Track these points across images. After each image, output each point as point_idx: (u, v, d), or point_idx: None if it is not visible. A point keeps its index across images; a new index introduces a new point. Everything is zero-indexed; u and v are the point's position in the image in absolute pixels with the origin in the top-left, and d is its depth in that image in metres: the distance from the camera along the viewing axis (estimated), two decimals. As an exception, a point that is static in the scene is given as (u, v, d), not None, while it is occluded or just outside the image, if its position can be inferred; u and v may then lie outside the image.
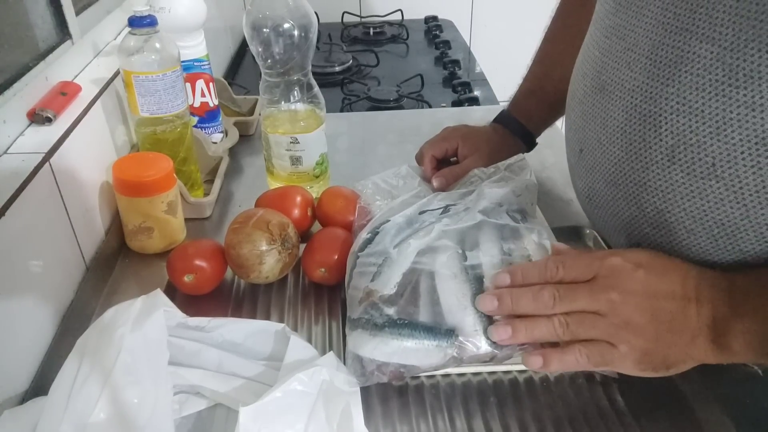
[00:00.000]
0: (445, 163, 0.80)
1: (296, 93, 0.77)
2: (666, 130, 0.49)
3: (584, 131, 0.59)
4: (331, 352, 0.53)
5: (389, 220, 0.63)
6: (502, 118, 0.84)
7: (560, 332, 0.50)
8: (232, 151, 0.94)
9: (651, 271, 0.50)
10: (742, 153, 0.45)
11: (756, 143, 0.44)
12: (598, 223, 0.64)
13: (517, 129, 0.83)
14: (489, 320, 0.54)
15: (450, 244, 0.58)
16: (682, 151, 0.48)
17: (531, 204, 0.67)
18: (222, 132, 0.94)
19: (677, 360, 0.49)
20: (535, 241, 0.60)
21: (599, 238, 0.73)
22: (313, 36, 0.74)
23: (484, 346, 0.53)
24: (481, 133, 0.82)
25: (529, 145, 0.84)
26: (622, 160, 0.54)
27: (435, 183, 0.75)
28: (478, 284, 0.55)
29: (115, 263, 0.72)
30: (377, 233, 0.62)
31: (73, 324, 0.61)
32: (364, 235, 0.63)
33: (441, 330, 0.53)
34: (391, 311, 0.54)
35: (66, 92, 0.70)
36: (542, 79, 0.83)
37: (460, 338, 0.53)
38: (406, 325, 0.53)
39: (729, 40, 0.44)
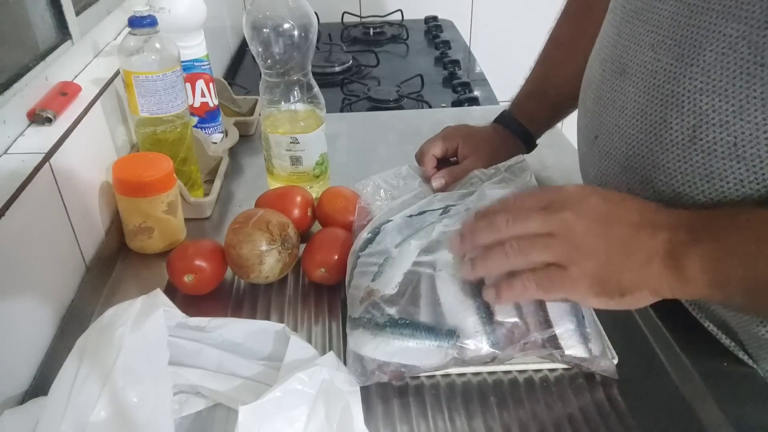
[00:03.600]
0: (445, 162, 0.80)
1: (296, 93, 0.77)
2: (688, 110, 0.49)
3: (600, 117, 0.59)
4: (331, 351, 0.53)
5: (390, 220, 0.63)
6: (502, 119, 0.84)
7: (512, 256, 0.50)
8: (232, 151, 0.94)
9: (607, 199, 0.50)
10: (765, 133, 0.45)
11: None
12: None
13: (518, 130, 0.83)
14: (490, 321, 0.54)
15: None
16: (704, 131, 0.48)
17: None
18: (222, 132, 0.94)
19: (631, 285, 0.47)
20: None
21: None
22: (313, 36, 0.74)
23: (485, 347, 0.53)
24: (481, 133, 0.82)
25: (529, 146, 0.84)
26: (640, 143, 0.54)
27: (434, 183, 0.75)
28: (478, 285, 0.55)
29: (115, 263, 0.72)
30: (378, 233, 0.62)
31: (73, 324, 0.61)
32: (364, 234, 0.63)
33: (442, 330, 0.53)
34: (392, 311, 0.54)
35: (66, 92, 0.70)
36: (545, 80, 0.83)
37: (461, 339, 0.53)
38: (407, 325, 0.53)
39: (756, 17, 0.44)
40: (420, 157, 0.81)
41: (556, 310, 0.55)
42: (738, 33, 0.45)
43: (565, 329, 0.54)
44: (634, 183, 0.56)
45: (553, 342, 0.54)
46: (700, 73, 0.48)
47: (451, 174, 0.76)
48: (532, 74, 0.85)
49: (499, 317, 0.54)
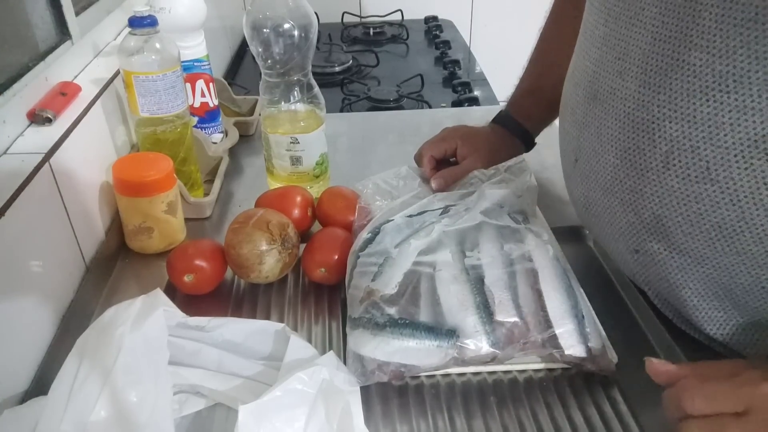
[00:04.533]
0: (444, 163, 0.80)
1: (296, 93, 0.77)
2: (660, 136, 0.49)
3: (579, 140, 0.59)
4: (331, 351, 0.53)
5: (390, 220, 0.63)
6: (500, 119, 0.84)
7: None
8: (232, 151, 0.94)
9: None
10: (735, 156, 0.45)
11: (749, 146, 0.44)
12: (595, 231, 0.63)
13: (516, 129, 0.83)
14: (490, 320, 0.54)
15: (451, 245, 0.58)
16: (677, 156, 0.48)
17: (531, 205, 0.67)
18: (222, 132, 0.94)
19: None
20: (536, 243, 0.60)
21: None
22: (313, 36, 0.74)
23: (485, 347, 0.53)
24: (480, 133, 0.82)
25: (528, 145, 0.84)
26: (618, 168, 0.54)
27: (434, 184, 0.75)
28: (478, 285, 0.56)
29: (115, 263, 0.72)
30: (378, 233, 0.62)
31: (73, 324, 0.61)
32: (364, 234, 0.63)
33: (442, 330, 0.53)
34: (392, 311, 0.54)
35: (66, 92, 0.70)
36: (539, 78, 0.83)
37: (461, 338, 0.53)
38: (407, 325, 0.53)
39: (718, 47, 0.44)
40: (419, 159, 0.80)
41: (556, 309, 0.55)
42: (702, 62, 0.45)
43: (565, 329, 0.54)
44: (616, 206, 0.56)
45: (553, 342, 0.54)
46: (668, 101, 0.48)
47: (450, 174, 0.76)
48: (525, 73, 0.85)
49: (499, 317, 0.54)
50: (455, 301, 0.54)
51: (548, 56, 0.82)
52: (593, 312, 0.59)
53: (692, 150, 0.47)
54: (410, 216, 0.64)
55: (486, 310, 0.54)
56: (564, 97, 0.64)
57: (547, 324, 0.54)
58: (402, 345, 0.53)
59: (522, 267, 0.58)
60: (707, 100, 0.46)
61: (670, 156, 0.49)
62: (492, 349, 0.53)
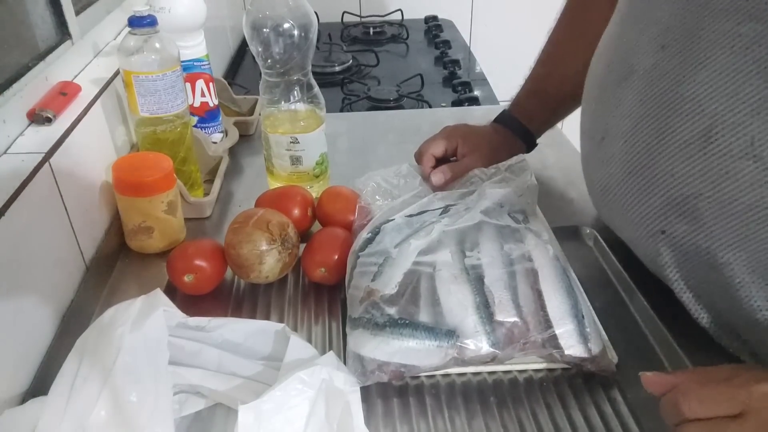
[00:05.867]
0: (444, 162, 0.80)
1: (296, 93, 0.77)
2: (699, 113, 0.49)
3: (606, 119, 0.58)
4: (331, 351, 0.53)
5: (390, 220, 0.63)
6: (502, 118, 0.84)
7: None
8: (232, 151, 0.94)
9: None
10: None
11: None
12: (611, 216, 0.63)
13: (518, 129, 0.83)
14: (490, 320, 0.54)
15: (451, 244, 0.58)
16: (719, 131, 0.48)
17: (532, 205, 0.67)
18: (222, 132, 0.94)
19: None
20: (536, 242, 0.60)
21: (599, 238, 0.73)
22: (313, 36, 0.74)
23: (485, 347, 0.53)
24: (481, 132, 0.82)
25: (530, 145, 0.84)
26: (651, 147, 0.54)
27: (433, 178, 0.75)
28: (478, 284, 0.56)
29: (115, 263, 0.72)
30: (378, 233, 0.62)
31: (73, 324, 0.61)
32: (364, 234, 0.63)
33: (442, 330, 0.53)
34: (392, 311, 0.54)
35: (66, 92, 0.70)
36: (545, 80, 0.83)
37: (461, 338, 0.53)
38: (407, 325, 0.53)
39: None
40: (419, 157, 0.80)
41: (556, 309, 0.55)
42: (755, 33, 0.45)
43: (565, 329, 0.54)
44: (642, 187, 0.55)
45: (553, 342, 0.54)
46: (711, 77, 0.48)
47: (450, 169, 0.75)
48: (531, 74, 0.85)
49: (499, 317, 0.54)
50: (455, 301, 0.54)
51: (555, 58, 0.82)
52: (593, 312, 0.59)
53: (735, 126, 0.47)
54: (410, 216, 0.63)
55: (486, 310, 0.54)
56: (590, 77, 0.63)
57: (547, 324, 0.54)
58: (402, 345, 0.53)
59: (522, 267, 0.58)
60: (757, 74, 0.45)
61: (711, 132, 0.48)
62: (492, 349, 0.53)
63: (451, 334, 0.53)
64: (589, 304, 0.59)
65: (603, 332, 0.57)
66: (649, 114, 0.53)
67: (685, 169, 0.51)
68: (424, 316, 0.54)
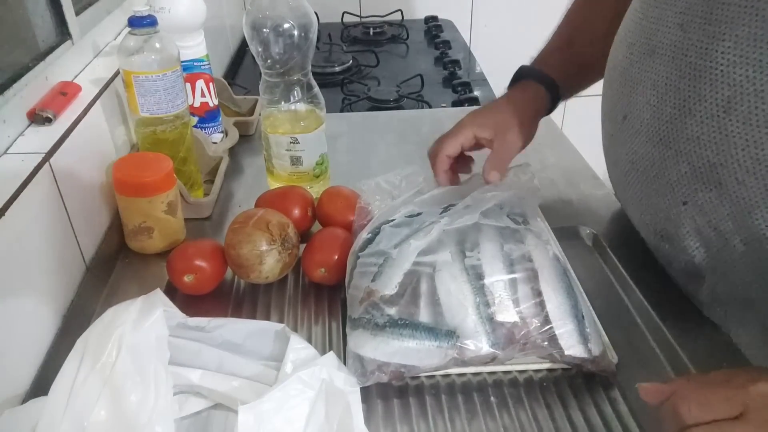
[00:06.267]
0: (461, 158, 0.73)
1: (296, 93, 0.77)
2: (722, 82, 0.50)
3: (630, 96, 0.60)
4: (331, 351, 0.53)
5: (391, 220, 0.63)
6: (521, 72, 0.76)
7: None
8: (232, 151, 0.94)
9: None
10: None
11: None
12: (633, 194, 0.64)
13: (542, 78, 0.74)
14: (490, 321, 0.54)
15: (450, 244, 0.58)
16: (739, 101, 0.49)
17: (533, 208, 0.67)
18: (222, 132, 0.94)
19: None
20: (536, 243, 0.60)
21: (599, 238, 0.73)
22: (313, 36, 0.74)
23: (485, 347, 0.53)
24: (498, 109, 0.73)
25: (554, 98, 0.74)
26: (673, 117, 0.55)
27: (490, 179, 0.67)
28: (478, 284, 0.55)
29: (115, 263, 0.72)
30: (378, 233, 0.62)
31: (73, 324, 0.61)
32: (364, 235, 0.63)
33: (442, 331, 0.53)
34: (392, 311, 0.54)
35: (66, 92, 0.70)
36: (569, 39, 0.78)
37: (461, 339, 0.53)
38: (407, 326, 0.53)
39: None
40: (432, 158, 0.72)
41: (556, 310, 0.55)
42: None
43: (565, 329, 0.54)
44: (667, 157, 0.57)
45: (553, 342, 0.54)
46: (733, 47, 0.49)
47: (499, 160, 0.68)
48: (555, 34, 0.79)
49: (499, 317, 0.54)
50: (455, 301, 0.54)
51: (580, 18, 0.78)
52: (593, 312, 0.59)
53: (756, 94, 0.48)
54: (410, 216, 0.63)
55: (486, 309, 0.54)
56: (612, 60, 0.65)
57: (547, 324, 0.54)
58: (402, 345, 0.53)
59: (522, 267, 0.58)
60: None
61: (732, 101, 0.50)
62: (492, 350, 0.53)
63: (451, 334, 0.53)
64: (589, 304, 0.59)
65: (603, 333, 0.58)
66: (674, 85, 0.55)
67: (711, 137, 0.52)
68: (424, 317, 0.54)
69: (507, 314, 0.54)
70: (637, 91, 0.59)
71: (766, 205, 0.51)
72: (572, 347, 0.54)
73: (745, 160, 0.50)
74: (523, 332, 0.54)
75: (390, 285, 0.56)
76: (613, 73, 0.64)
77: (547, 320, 0.54)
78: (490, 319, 0.54)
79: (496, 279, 0.56)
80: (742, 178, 0.51)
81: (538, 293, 0.56)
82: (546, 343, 0.54)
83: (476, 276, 0.56)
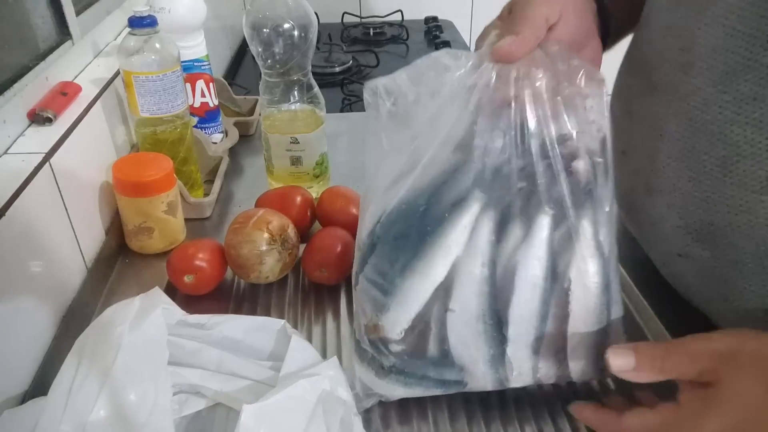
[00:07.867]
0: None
1: (296, 93, 0.77)
2: (719, 139, 0.46)
3: (630, 132, 0.56)
4: (334, 357, 0.52)
5: (392, 211, 0.51)
6: None
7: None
8: (232, 151, 0.94)
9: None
10: None
11: None
12: (635, 230, 0.61)
13: None
14: (501, 360, 0.49)
15: (474, 283, 0.48)
16: (735, 162, 0.46)
17: (600, 152, 0.49)
18: (222, 132, 0.94)
19: None
20: (582, 255, 0.48)
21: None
22: (313, 36, 0.74)
23: (490, 386, 0.52)
24: None
25: (606, 28, 0.56)
26: (671, 168, 0.51)
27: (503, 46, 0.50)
28: (496, 334, 0.49)
29: (115, 263, 0.72)
30: (378, 239, 0.51)
31: (73, 324, 0.61)
32: (364, 236, 0.53)
33: (450, 381, 0.51)
34: (396, 360, 0.51)
35: (66, 92, 0.70)
36: None
37: (470, 385, 0.51)
38: (412, 375, 0.51)
39: None
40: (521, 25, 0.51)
41: (577, 343, 0.50)
42: None
43: (578, 364, 0.51)
44: (662, 207, 0.53)
45: (565, 373, 0.51)
46: (733, 103, 0.45)
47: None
48: None
49: (513, 384, 0.51)
50: (466, 354, 0.49)
51: None
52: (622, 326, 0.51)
53: (753, 157, 0.45)
54: (412, 207, 0.49)
55: (502, 368, 0.50)
56: (617, 84, 0.60)
57: (564, 361, 0.50)
58: (408, 391, 0.52)
59: (555, 302, 0.48)
60: None
61: (728, 161, 0.46)
62: (498, 386, 0.51)
63: (460, 383, 0.51)
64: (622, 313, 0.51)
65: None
66: (672, 133, 0.50)
67: (705, 195, 0.49)
68: (431, 371, 0.51)
69: (523, 380, 0.51)
70: (636, 128, 0.55)
71: (755, 277, 0.48)
72: (583, 376, 0.52)
73: (739, 225, 0.47)
74: (535, 372, 0.51)
75: (396, 330, 0.49)
76: (616, 101, 0.59)
77: (564, 360, 0.50)
78: (502, 359, 0.50)
79: (520, 333, 0.48)
80: (735, 242, 0.48)
81: (563, 337, 0.49)
82: (557, 375, 0.51)
83: (495, 325, 0.48)
